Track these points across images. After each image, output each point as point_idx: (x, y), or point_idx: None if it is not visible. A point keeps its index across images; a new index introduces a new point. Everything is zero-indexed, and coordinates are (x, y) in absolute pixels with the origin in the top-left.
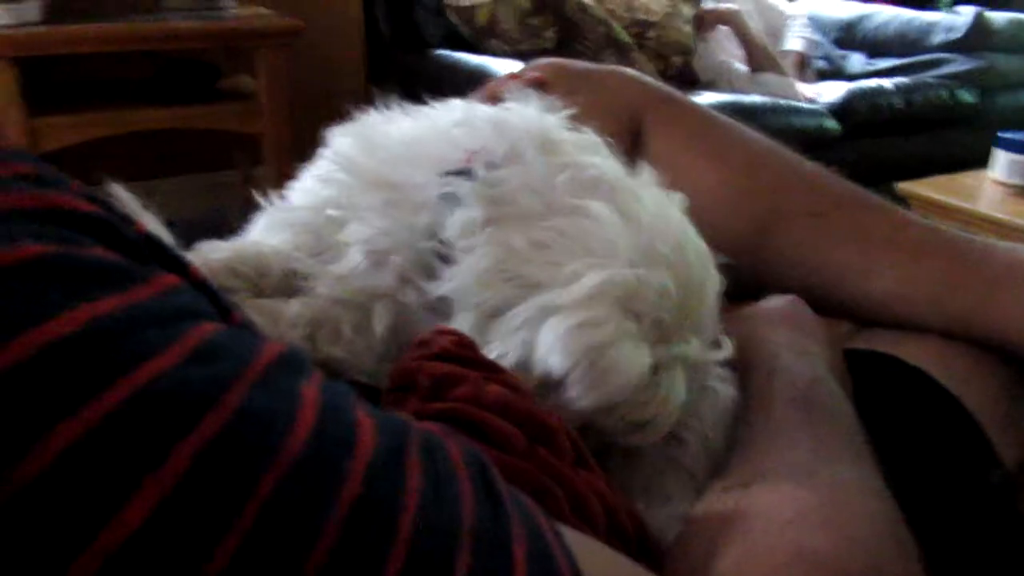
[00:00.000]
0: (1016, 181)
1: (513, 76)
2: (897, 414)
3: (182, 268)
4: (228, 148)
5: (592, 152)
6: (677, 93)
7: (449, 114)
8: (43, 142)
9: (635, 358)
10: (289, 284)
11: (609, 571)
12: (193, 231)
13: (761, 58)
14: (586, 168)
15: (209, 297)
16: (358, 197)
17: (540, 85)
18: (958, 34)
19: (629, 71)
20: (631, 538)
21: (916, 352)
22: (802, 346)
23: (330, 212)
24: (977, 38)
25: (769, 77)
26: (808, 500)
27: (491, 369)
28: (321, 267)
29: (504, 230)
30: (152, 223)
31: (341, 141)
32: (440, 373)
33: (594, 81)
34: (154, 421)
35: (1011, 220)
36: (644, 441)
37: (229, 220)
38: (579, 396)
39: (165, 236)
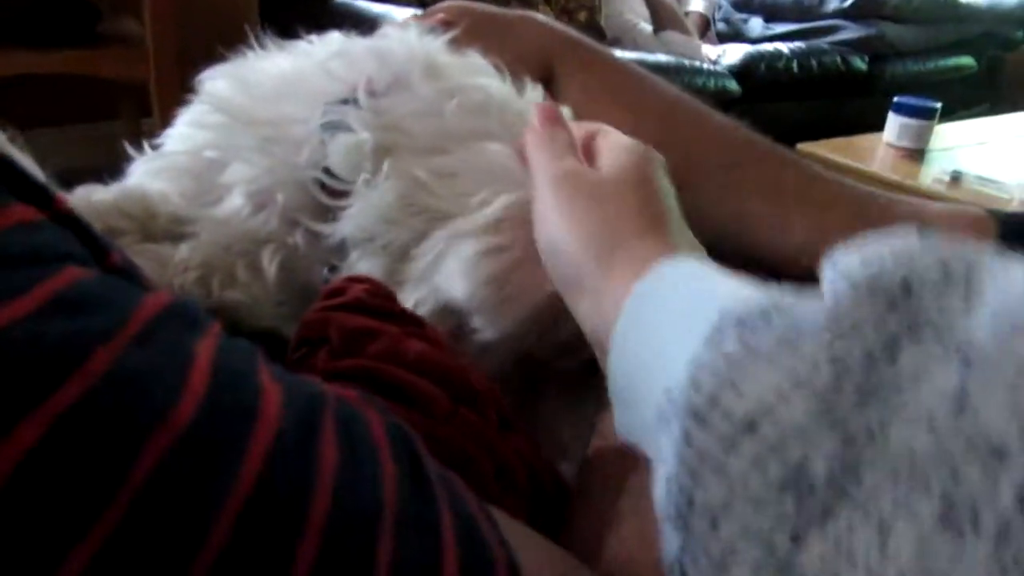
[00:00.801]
0: (907, 144)
1: (416, 19)
2: None
3: (45, 200)
4: (114, 97)
5: (478, 74)
6: (587, 40)
7: (326, 47)
8: None
9: (540, 282)
10: (175, 229)
11: (542, 559)
12: (77, 184)
13: (667, 16)
14: (474, 91)
15: (81, 235)
16: (236, 137)
17: (444, 28)
18: (850, 1)
19: (539, 16)
20: (552, 499)
21: None
22: None
23: (208, 154)
24: (867, 7)
25: (674, 36)
26: None
27: (410, 322)
28: (203, 211)
29: (403, 161)
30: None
31: (214, 83)
32: (353, 326)
33: (502, 25)
34: None
35: (902, 181)
36: (573, 364)
37: (116, 173)
38: (483, 325)
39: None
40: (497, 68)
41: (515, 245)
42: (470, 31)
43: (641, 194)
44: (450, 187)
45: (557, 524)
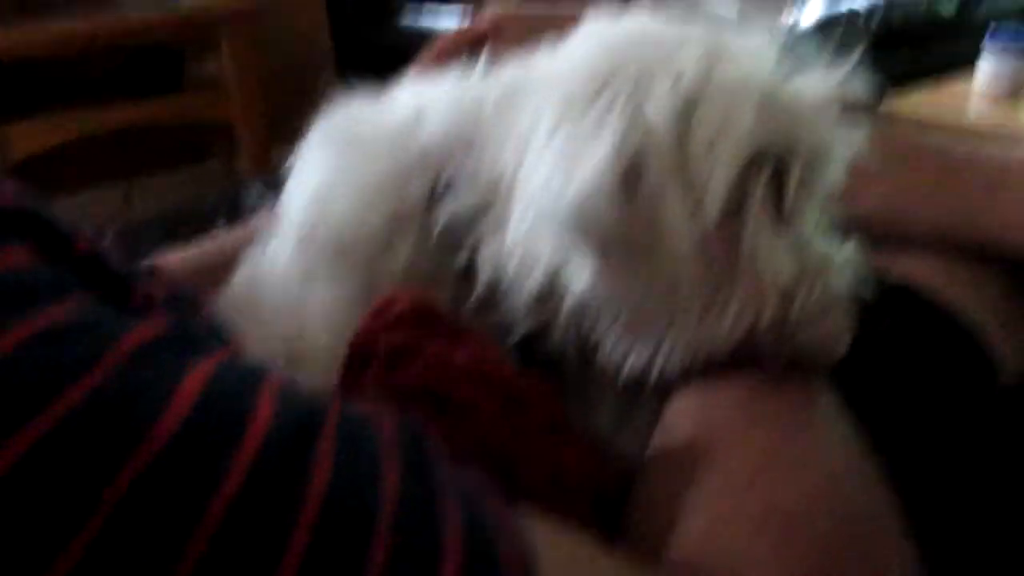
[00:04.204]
0: (1003, 87)
1: (463, 30)
2: (894, 332)
3: (65, 245)
4: (206, 139)
5: None
6: None
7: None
8: (13, 150)
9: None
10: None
11: (566, 554)
12: (176, 224)
13: None
14: None
15: (99, 273)
16: None
17: (495, 34)
18: None
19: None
20: (615, 503)
21: (909, 265)
22: None
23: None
24: None
25: None
26: (765, 443)
27: (457, 332)
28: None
29: None
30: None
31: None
32: (399, 342)
33: (549, 26)
34: None
35: (999, 129)
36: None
37: (209, 211)
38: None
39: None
40: None
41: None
42: (519, 34)
43: None
44: None
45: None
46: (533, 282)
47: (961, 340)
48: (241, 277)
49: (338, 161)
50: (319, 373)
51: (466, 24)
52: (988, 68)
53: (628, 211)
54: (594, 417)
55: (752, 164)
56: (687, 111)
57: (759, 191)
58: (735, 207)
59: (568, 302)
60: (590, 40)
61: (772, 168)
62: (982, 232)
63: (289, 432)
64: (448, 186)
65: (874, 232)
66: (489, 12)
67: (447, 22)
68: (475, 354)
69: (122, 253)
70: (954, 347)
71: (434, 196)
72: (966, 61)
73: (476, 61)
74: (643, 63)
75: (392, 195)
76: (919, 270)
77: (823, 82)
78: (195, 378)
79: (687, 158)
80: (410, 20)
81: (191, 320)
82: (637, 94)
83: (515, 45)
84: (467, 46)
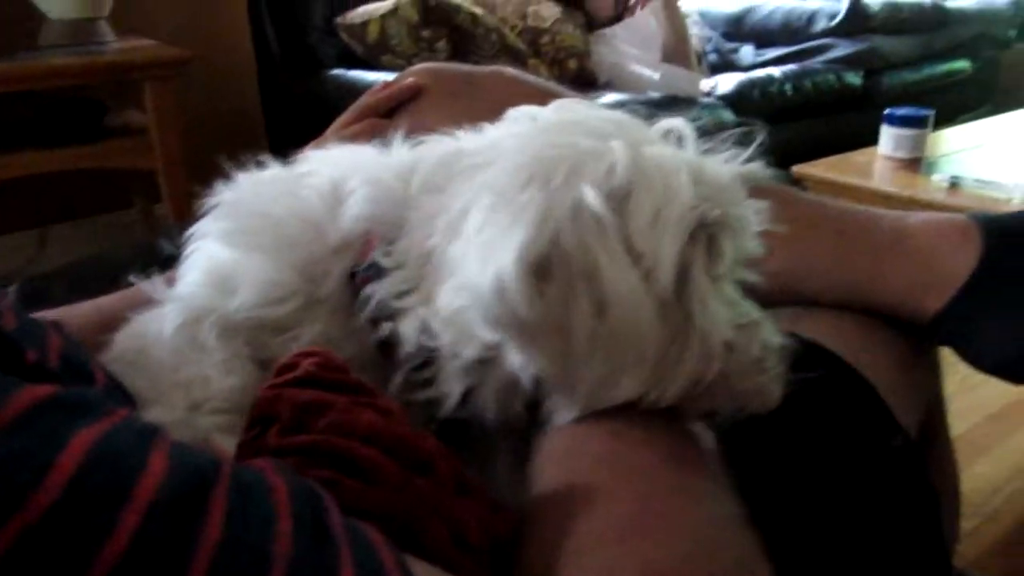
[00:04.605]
0: (903, 155)
1: (388, 84)
2: (795, 388)
3: None
4: (127, 187)
5: None
6: (556, 88)
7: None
8: None
9: None
10: None
11: None
12: (88, 273)
13: (670, 49)
14: None
15: None
16: None
17: (417, 91)
18: (838, 20)
19: (508, 70)
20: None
21: (811, 326)
22: None
23: None
24: (856, 22)
25: (673, 70)
26: (635, 499)
27: (363, 392)
28: None
29: None
30: None
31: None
32: (303, 401)
33: (473, 84)
34: None
35: (899, 192)
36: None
37: (123, 260)
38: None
39: None
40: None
41: None
42: (440, 91)
43: None
44: None
45: None
46: (466, 356)
47: (865, 395)
48: (127, 334)
49: (244, 242)
50: (223, 420)
51: (392, 79)
52: (888, 138)
53: (547, 298)
54: (490, 470)
55: (692, 232)
56: (625, 192)
57: (699, 255)
58: (681, 272)
59: (500, 373)
60: (520, 126)
61: (707, 235)
62: (879, 297)
63: (182, 487)
64: (371, 268)
65: (777, 296)
66: (417, 67)
67: (374, 75)
68: (379, 415)
69: (25, 305)
70: (857, 402)
71: (354, 278)
72: (871, 130)
73: (398, 122)
74: (573, 152)
75: (304, 286)
76: (819, 329)
77: (733, 158)
78: (82, 439)
79: (631, 234)
80: (338, 72)
81: (84, 382)
82: (567, 184)
83: (438, 100)
84: (392, 100)
